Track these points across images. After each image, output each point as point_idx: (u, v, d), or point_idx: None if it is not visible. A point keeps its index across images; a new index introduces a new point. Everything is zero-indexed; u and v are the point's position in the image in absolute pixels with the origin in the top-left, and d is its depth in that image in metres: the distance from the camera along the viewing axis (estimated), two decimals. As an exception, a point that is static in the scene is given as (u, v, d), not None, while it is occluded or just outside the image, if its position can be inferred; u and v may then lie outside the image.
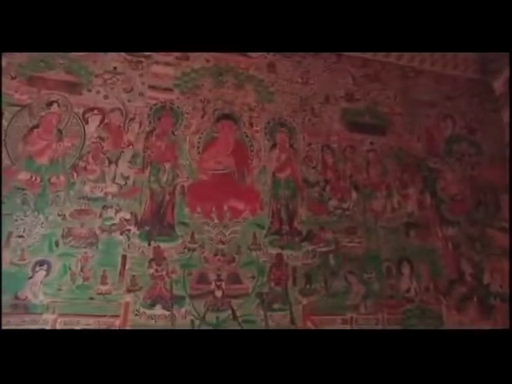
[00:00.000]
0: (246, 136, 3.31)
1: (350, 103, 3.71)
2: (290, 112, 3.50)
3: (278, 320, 2.82)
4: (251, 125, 3.35)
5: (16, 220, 2.63)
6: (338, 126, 3.59)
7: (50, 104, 2.98)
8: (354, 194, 3.39)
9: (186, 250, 2.84)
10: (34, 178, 2.77)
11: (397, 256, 3.26)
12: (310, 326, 2.86)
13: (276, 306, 2.85)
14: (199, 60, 3.41)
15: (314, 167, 3.37)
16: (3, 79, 2.91)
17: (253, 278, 2.89)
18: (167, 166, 3.04)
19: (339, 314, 2.96)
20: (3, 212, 2.62)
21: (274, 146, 3.35)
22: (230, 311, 2.75)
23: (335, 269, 3.08)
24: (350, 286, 3.06)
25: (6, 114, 2.85)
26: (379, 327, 2.98)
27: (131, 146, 3.03)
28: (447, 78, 4.09)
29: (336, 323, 2.93)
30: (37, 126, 2.91)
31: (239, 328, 2.72)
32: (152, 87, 3.23)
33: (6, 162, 2.75)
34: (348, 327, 2.93)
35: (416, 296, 3.17)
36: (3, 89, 2.89)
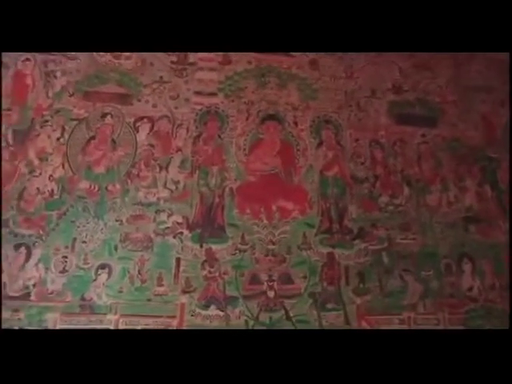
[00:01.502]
0: (292, 135, 3.30)
1: (398, 95, 3.57)
2: (335, 108, 3.44)
3: (332, 320, 2.78)
4: (296, 124, 3.33)
5: (79, 227, 2.81)
6: (385, 119, 3.48)
7: (104, 116, 3.16)
8: (406, 190, 3.26)
9: (237, 252, 2.88)
10: (92, 187, 2.95)
11: (456, 252, 3.09)
12: (365, 326, 2.79)
13: (329, 305, 2.81)
14: (241, 63, 3.45)
15: (362, 163, 3.29)
16: (63, 97, 3.15)
17: (304, 277, 2.86)
18: (215, 169, 3.10)
19: (396, 314, 2.86)
20: (69, 219, 2.82)
21: (320, 143, 3.31)
22: (283, 311, 2.75)
23: (389, 267, 2.98)
24: (406, 284, 2.94)
25: (67, 129, 3.07)
26: (440, 327, 2.84)
27: (180, 152, 3.12)
28: (503, 60, 3.80)
29: (393, 323, 2.83)
30: (93, 138, 3.10)
31: (293, 328, 2.71)
32: (197, 93, 3.32)
33: (69, 173, 2.96)
34: (406, 327, 2.82)
35: (480, 295, 2.99)
36: (63, 105, 3.12)
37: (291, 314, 2.75)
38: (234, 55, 3.45)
